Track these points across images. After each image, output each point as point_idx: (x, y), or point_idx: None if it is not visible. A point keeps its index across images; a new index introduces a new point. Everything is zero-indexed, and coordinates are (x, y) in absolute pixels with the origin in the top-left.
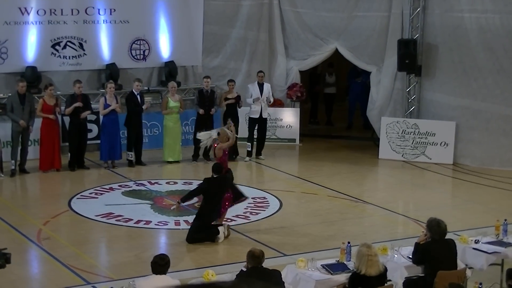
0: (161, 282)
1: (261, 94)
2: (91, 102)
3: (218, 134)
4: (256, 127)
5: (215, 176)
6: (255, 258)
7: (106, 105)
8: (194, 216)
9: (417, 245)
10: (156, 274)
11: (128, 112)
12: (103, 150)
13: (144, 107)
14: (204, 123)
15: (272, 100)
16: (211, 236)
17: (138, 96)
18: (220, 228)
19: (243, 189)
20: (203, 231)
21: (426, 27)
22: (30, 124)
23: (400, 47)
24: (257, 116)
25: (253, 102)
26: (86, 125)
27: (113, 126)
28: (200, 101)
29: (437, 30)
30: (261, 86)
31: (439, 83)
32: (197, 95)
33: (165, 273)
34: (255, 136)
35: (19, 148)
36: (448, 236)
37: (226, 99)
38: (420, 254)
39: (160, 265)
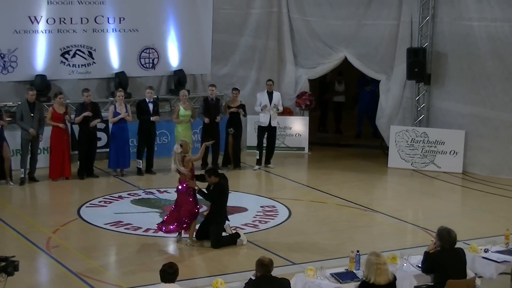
0: None
1: (270, 103)
2: (101, 110)
3: (181, 145)
4: (265, 136)
5: (222, 177)
6: (264, 266)
7: (116, 113)
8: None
9: (426, 254)
10: (165, 282)
11: (139, 120)
12: (112, 158)
13: (153, 119)
14: (210, 131)
15: (281, 108)
16: (234, 239)
17: (151, 104)
18: (240, 232)
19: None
20: (222, 236)
21: (435, 35)
22: (39, 133)
23: (409, 56)
24: (265, 124)
25: (261, 110)
26: (95, 133)
27: (122, 134)
28: (205, 110)
29: (446, 38)
30: (270, 94)
31: (448, 91)
32: (202, 103)
33: (174, 282)
34: (264, 145)
35: (29, 156)
36: (457, 245)
37: (230, 107)
38: (429, 263)
39: (169, 273)
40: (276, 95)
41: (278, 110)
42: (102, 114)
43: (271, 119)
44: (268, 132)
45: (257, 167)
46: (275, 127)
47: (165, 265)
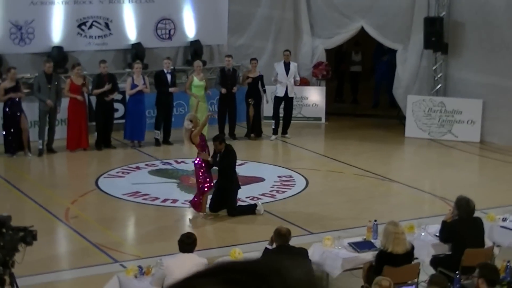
0: (189, 261)
1: (287, 74)
2: (117, 81)
3: (191, 121)
4: (282, 106)
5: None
6: (281, 236)
7: (133, 85)
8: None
9: (444, 223)
10: (183, 252)
11: (158, 91)
12: (127, 130)
13: (171, 90)
14: (227, 102)
15: (298, 79)
16: (251, 209)
17: (169, 75)
18: (257, 202)
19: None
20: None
21: (453, 4)
22: (57, 104)
23: (427, 25)
24: (282, 94)
25: (274, 82)
26: (112, 104)
27: (138, 106)
28: (222, 80)
29: (464, 7)
30: (287, 65)
31: (465, 61)
32: (219, 74)
33: (192, 252)
34: (281, 115)
35: (47, 128)
36: (475, 214)
37: (248, 77)
38: (447, 232)
39: (187, 243)
40: (293, 65)
41: (296, 83)
42: (119, 85)
43: (288, 90)
44: (285, 103)
45: (273, 137)
46: (292, 98)
47: (183, 235)
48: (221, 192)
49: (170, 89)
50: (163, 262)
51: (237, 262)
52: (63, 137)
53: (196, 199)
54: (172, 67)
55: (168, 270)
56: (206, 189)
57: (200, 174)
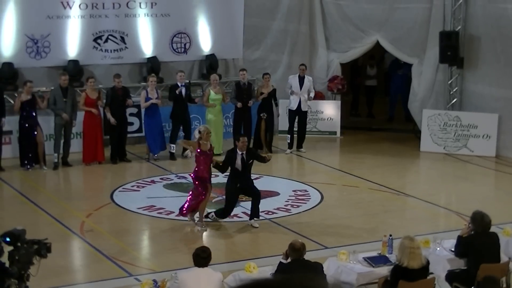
0: (203, 274)
1: (301, 87)
2: (132, 95)
3: (199, 132)
4: (296, 120)
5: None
6: (296, 250)
7: (148, 99)
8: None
9: (460, 238)
10: (198, 266)
11: (173, 104)
12: (150, 143)
13: (197, 100)
14: (242, 115)
15: (313, 94)
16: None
17: (183, 88)
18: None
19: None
20: None
21: (468, 18)
22: (73, 118)
23: (442, 39)
24: (294, 107)
25: (290, 94)
26: (126, 117)
27: (155, 119)
28: (237, 94)
29: (479, 21)
30: (301, 79)
31: (481, 74)
32: (234, 88)
33: (207, 266)
34: (295, 129)
35: (62, 141)
36: (491, 229)
37: (262, 93)
38: (463, 247)
39: (202, 257)
40: (308, 80)
41: (310, 97)
42: (134, 99)
43: (301, 104)
44: (298, 117)
45: (289, 151)
46: (306, 112)
47: (198, 249)
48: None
49: (195, 100)
50: (178, 275)
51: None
52: (79, 151)
53: (186, 205)
54: (187, 81)
55: (182, 284)
56: (201, 198)
57: (196, 186)
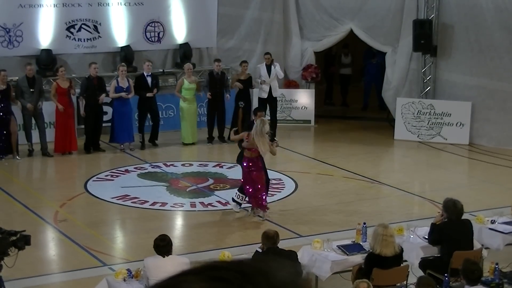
0: (169, 261)
1: (269, 76)
2: (106, 84)
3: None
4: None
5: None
6: (269, 238)
7: (118, 88)
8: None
9: (433, 226)
10: (161, 255)
11: (138, 95)
12: (115, 132)
13: (148, 95)
14: (215, 105)
15: (282, 74)
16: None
17: (150, 78)
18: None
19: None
20: None
21: (442, 6)
22: (39, 105)
23: (416, 27)
24: (265, 96)
25: (260, 84)
26: (101, 107)
27: (124, 108)
28: (210, 84)
29: (453, 9)
30: (269, 67)
31: (454, 63)
32: (208, 78)
33: (170, 253)
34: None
35: (35, 130)
36: (464, 216)
37: (239, 80)
38: (436, 235)
39: (162, 246)
40: (274, 66)
41: (280, 77)
42: (107, 88)
43: (272, 90)
44: (269, 104)
45: None
46: (275, 98)
47: (156, 239)
48: None
49: (147, 94)
50: (144, 262)
51: (223, 261)
52: (51, 140)
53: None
54: (160, 70)
55: (148, 270)
56: (248, 191)
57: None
